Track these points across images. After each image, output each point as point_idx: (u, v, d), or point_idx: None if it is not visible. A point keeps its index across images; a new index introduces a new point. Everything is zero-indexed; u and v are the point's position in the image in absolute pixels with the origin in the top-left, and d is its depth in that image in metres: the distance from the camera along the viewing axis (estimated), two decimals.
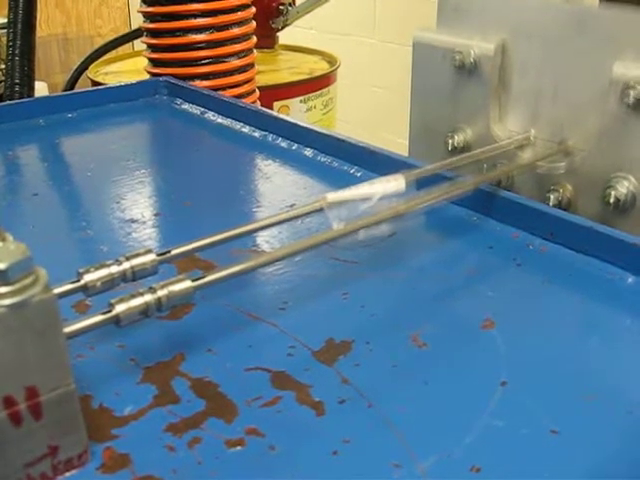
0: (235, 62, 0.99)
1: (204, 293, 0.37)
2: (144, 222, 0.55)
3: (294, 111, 1.39)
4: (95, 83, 1.40)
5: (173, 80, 0.85)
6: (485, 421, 0.32)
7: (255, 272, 0.45)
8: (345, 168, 0.63)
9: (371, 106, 2.14)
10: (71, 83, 1.38)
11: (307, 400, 0.33)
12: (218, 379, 0.35)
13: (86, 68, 1.39)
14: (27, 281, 0.26)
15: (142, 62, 1.08)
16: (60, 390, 0.28)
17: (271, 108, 1.34)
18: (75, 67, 1.38)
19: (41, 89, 2.26)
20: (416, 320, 0.40)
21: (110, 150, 0.73)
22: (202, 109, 0.80)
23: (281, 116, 0.72)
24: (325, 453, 0.30)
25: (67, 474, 0.29)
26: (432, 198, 0.49)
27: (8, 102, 0.82)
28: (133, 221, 0.55)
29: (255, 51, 1.06)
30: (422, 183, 0.52)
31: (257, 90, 1.08)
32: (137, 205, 0.59)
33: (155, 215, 0.56)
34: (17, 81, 0.93)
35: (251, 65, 1.03)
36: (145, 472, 0.29)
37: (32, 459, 0.28)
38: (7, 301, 0.25)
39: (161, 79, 0.86)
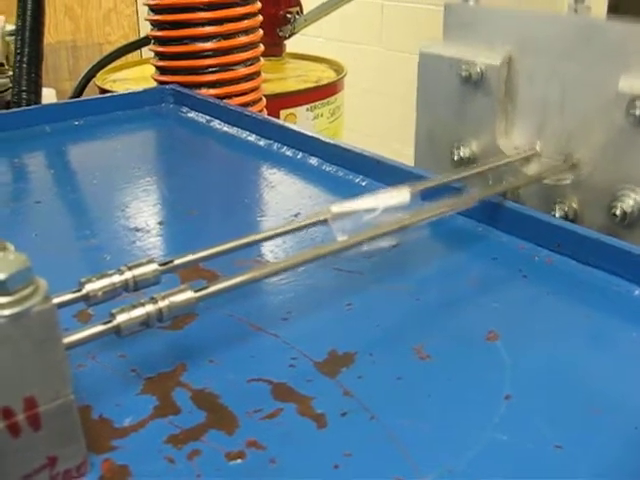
0: (242, 70, 0.99)
1: (206, 303, 0.37)
2: (148, 231, 0.55)
3: (301, 119, 1.39)
4: (103, 90, 1.40)
5: (179, 88, 0.85)
6: (489, 435, 0.32)
7: (258, 282, 0.45)
8: (350, 177, 0.63)
9: (378, 115, 2.14)
10: (79, 90, 1.38)
11: (309, 412, 0.33)
12: (219, 390, 0.35)
13: (94, 75, 1.40)
14: (27, 291, 0.26)
15: (150, 70, 1.08)
16: (59, 401, 0.28)
17: (278, 116, 1.34)
18: (83, 74, 1.38)
19: (49, 95, 2.27)
20: (420, 332, 0.40)
21: (116, 158, 0.74)
22: (208, 117, 0.80)
23: (286, 125, 0.72)
24: (326, 466, 0.30)
25: None
26: (437, 210, 0.49)
27: (15, 109, 0.82)
28: (137, 230, 0.55)
29: (262, 59, 1.06)
30: (427, 194, 0.52)
31: (264, 98, 1.08)
32: (142, 214, 0.59)
33: (159, 224, 0.56)
34: (24, 88, 0.93)
35: (257, 73, 1.03)
36: None
37: (30, 470, 0.28)
38: (6, 311, 0.25)
39: (167, 87, 0.86)
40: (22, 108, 0.86)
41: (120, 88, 1.39)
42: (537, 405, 0.34)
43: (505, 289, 0.45)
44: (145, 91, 0.88)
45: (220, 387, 0.35)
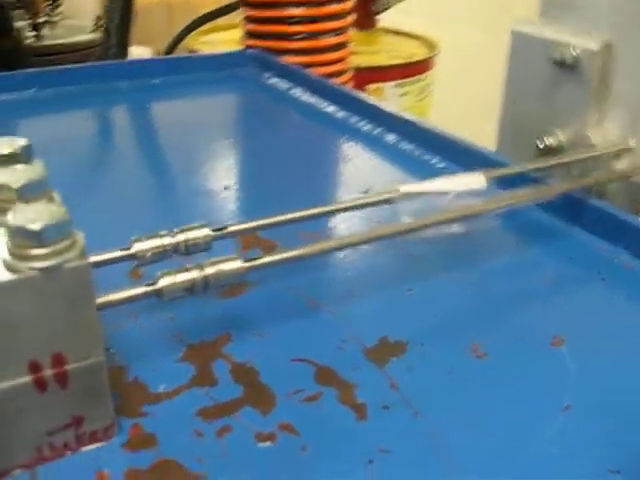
0: (329, 40, 0.97)
1: (263, 273, 0.35)
2: (218, 193, 0.54)
3: (388, 95, 1.35)
4: (193, 52, 1.40)
5: (263, 53, 0.84)
6: (540, 448, 0.29)
7: (320, 256, 0.43)
8: (427, 158, 0.60)
9: (469, 95, 2.07)
10: (168, 51, 1.39)
11: (350, 401, 0.31)
12: (260, 366, 0.33)
13: (185, 36, 1.40)
14: (62, 245, 0.25)
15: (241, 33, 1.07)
16: (89, 361, 0.27)
17: (364, 90, 1.31)
18: (175, 35, 1.39)
19: (144, 54, 2.30)
20: (480, 327, 0.37)
21: (193, 119, 0.73)
22: (289, 85, 0.79)
23: (366, 98, 0.69)
24: (359, 461, 0.28)
25: (91, 446, 0.28)
26: (514, 200, 0.46)
27: (98, 62, 0.82)
28: (206, 192, 0.54)
29: (352, 30, 1.03)
30: (505, 182, 0.49)
31: (350, 70, 1.05)
32: (212, 176, 0.58)
33: (226, 188, 0.55)
34: (113, 43, 0.94)
35: (345, 44, 1.00)
36: (169, 456, 0.28)
37: (55, 427, 0.27)
38: (39, 264, 0.24)
39: (251, 51, 0.85)
40: (104, 62, 0.86)
41: (210, 50, 1.39)
42: (598, 421, 0.31)
43: (579, 291, 0.41)
44: (228, 54, 0.87)
45: (262, 363, 0.34)
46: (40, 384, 0.26)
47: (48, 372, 0.26)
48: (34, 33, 1.31)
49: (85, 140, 0.66)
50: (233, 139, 0.68)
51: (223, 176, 0.58)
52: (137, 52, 2.31)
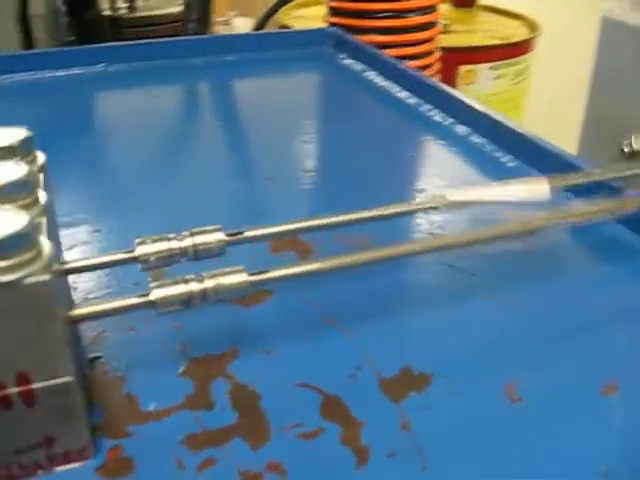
0: (416, 19, 0.92)
1: (286, 282, 0.32)
2: (279, 179, 0.52)
3: (481, 78, 1.28)
4: (283, 27, 1.37)
5: (340, 32, 0.80)
6: None
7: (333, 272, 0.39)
8: (498, 155, 0.55)
9: (568, 78, 1.95)
10: (260, 25, 1.36)
11: (353, 441, 0.28)
12: (263, 390, 0.30)
13: (276, 11, 1.37)
14: (25, 257, 0.23)
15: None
16: (57, 380, 0.25)
17: (455, 72, 1.25)
18: (266, 10, 1.36)
19: (244, 25, 2.29)
20: (519, 364, 0.33)
21: (267, 99, 0.71)
22: (363, 66, 0.75)
23: (438, 85, 0.65)
24: None
25: (63, 467, 0.26)
26: (585, 211, 0.40)
27: (175, 38, 0.81)
28: (268, 177, 0.53)
29: (446, 8, 0.98)
30: (579, 191, 0.43)
31: (437, 52, 1.00)
32: (270, 164, 0.56)
33: (271, 178, 0.53)
34: (193, 18, 0.92)
35: (433, 24, 0.95)
36: None
37: (24, 446, 0.25)
38: None
39: (328, 30, 0.81)
40: (180, 38, 0.85)
41: (301, 25, 1.36)
42: None
43: None
44: (307, 31, 0.84)
45: (265, 386, 0.31)
46: (4, 402, 0.24)
47: (13, 390, 0.24)
48: (127, 5, 1.31)
49: (159, 117, 0.65)
50: (301, 122, 0.65)
51: (281, 165, 0.56)
52: (238, 23, 2.30)
